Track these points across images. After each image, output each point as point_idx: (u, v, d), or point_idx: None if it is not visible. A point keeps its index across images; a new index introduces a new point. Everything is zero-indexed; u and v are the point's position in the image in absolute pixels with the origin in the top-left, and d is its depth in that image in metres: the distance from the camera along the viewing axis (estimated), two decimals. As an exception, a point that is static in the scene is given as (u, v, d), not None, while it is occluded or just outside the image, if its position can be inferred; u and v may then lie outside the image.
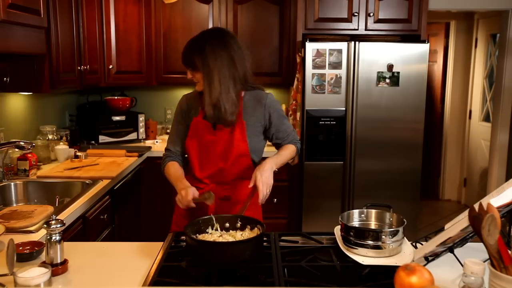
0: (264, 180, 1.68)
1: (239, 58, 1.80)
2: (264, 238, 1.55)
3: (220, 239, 1.48)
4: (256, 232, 1.50)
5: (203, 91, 1.80)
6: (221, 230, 1.55)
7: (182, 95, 1.97)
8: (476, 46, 5.16)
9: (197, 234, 1.50)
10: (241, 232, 1.53)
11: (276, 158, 1.82)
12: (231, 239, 1.48)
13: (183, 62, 1.82)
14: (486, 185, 4.68)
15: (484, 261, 1.07)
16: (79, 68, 2.93)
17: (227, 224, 1.56)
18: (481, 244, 1.10)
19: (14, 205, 2.37)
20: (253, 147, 1.86)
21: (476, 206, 1.13)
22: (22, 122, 2.91)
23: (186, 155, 1.93)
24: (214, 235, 1.52)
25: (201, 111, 1.85)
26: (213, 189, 1.82)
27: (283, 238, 1.61)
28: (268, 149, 3.57)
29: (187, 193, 1.67)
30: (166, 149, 1.95)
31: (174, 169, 1.86)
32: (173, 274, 1.36)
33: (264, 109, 1.86)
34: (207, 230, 1.54)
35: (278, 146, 1.94)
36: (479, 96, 5.11)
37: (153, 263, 1.41)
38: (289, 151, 1.89)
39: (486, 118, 4.97)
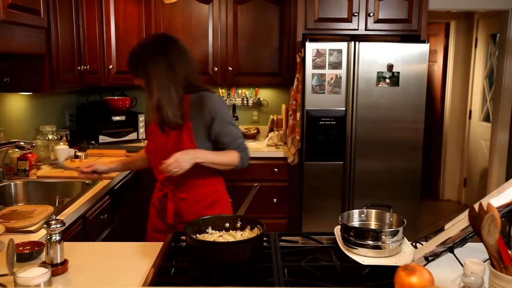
0: (178, 157, 1.69)
1: (179, 63, 1.82)
2: (264, 238, 1.54)
3: (220, 239, 1.48)
4: (256, 232, 1.51)
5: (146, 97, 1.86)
6: (221, 230, 1.55)
7: None
8: (476, 46, 5.16)
9: (197, 234, 1.50)
10: (241, 232, 1.53)
11: (208, 153, 1.81)
12: (231, 239, 1.48)
13: (128, 69, 1.86)
14: (486, 185, 4.67)
15: (484, 261, 1.07)
16: (79, 68, 2.93)
17: (227, 224, 1.56)
18: (481, 244, 1.10)
19: (14, 205, 2.37)
20: (201, 148, 1.87)
21: (476, 206, 1.13)
22: (22, 122, 2.91)
23: None
24: (214, 235, 1.52)
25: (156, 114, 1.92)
26: (172, 190, 1.89)
27: (283, 238, 1.61)
28: (269, 149, 3.58)
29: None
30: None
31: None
32: (173, 274, 1.36)
33: (207, 111, 1.85)
34: (207, 230, 1.54)
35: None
36: (479, 96, 5.11)
37: (153, 263, 1.41)
38: (228, 155, 1.85)
39: (486, 118, 4.97)
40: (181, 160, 1.70)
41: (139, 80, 1.85)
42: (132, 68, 1.84)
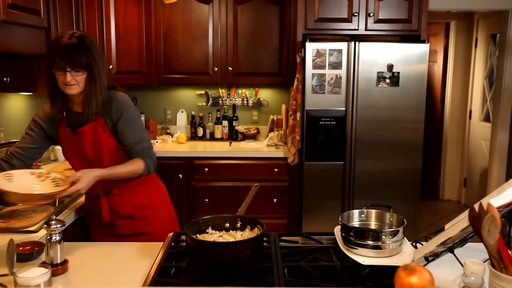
0: (82, 180, 1.67)
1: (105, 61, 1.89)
2: (264, 238, 1.55)
3: (220, 239, 1.48)
4: (256, 232, 1.50)
5: (83, 92, 1.79)
6: (221, 230, 1.55)
7: (40, 109, 1.95)
8: (476, 46, 5.16)
9: (197, 234, 1.50)
10: (241, 232, 1.53)
11: (109, 169, 1.79)
12: (231, 239, 1.48)
13: (68, 63, 1.72)
14: (486, 185, 4.67)
15: (484, 261, 1.07)
16: (79, 68, 2.93)
17: (227, 224, 1.56)
18: (481, 244, 1.10)
19: (14, 205, 2.36)
20: (122, 144, 1.88)
21: (476, 206, 1.13)
22: (22, 122, 2.90)
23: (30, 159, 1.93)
24: (214, 235, 1.51)
25: (63, 119, 1.88)
26: (102, 189, 1.90)
27: (283, 238, 1.61)
28: (269, 149, 3.58)
29: None
30: (8, 152, 1.93)
31: None
32: (173, 274, 1.37)
33: (114, 109, 1.86)
34: (207, 230, 1.54)
35: (127, 153, 1.90)
36: (479, 96, 5.11)
37: (153, 263, 1.42)
38: (131, 166, 1.83)
39: (486, 118, 4.97)
40: (84, 181, 1.67)
41: (75, 76, 1.74)
42: (76, 62, 1.72)
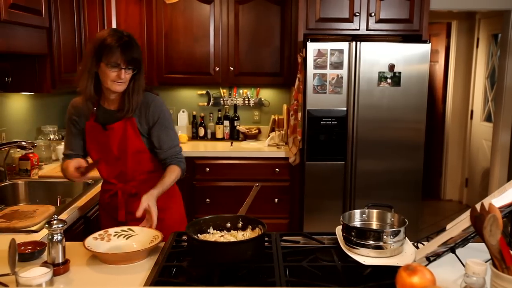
0: (154, 209, 1.72)
1: None
2: (266, 238, 1.55)
3: (222, 239, 1.48)
4: (257, 232, 1.51)
5: (125, 91, 1.82)
6: (223, 230, 1.55)
7: (71, 102, 1.97)
8: (477, 46, 5.15)
9: (199, 234, 1.50)
10: (242, 232, 1.53)
11: (160, 185, 1.83)
12: (232, 239, 1.48)
13: (124, 61, 1.75)
14: (487, 185, 4.67)
15: (486, 262, 1.07)
16: (80, 68, 2.93)
17: (229, 224, 1.56)
18: (483, 244, 1.10)
19: (16, 205, 2.37)
20: (148, 145, 1.90)
21: (478, 206, 1.13)
22: (23, 122, 2.91)
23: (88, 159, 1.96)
24: (215, 235, 1.52)
25: (91, 115, 1.89)
26: (121, 188, 1.91)
27: (284, 238, 1.61)
28: (270, 149, 3.58)
29: (68, 165, 1.79)
30: (63, 155, 1.98)
31: (65, 164, 1.88)
32: (174, 274, 1.37)
33: (150, 112, 1.88)
34: (208, 230, 1.54)
35: (159, 159, 1.93)
36: (481, 96, 5.10)
37: (155, 263, 1.42)
38: (173, 175, 1.88)
39: (488, 118, 4.96)
40: (151, 205, 1.72)
41: (126, 74, 1.78)
42: (135, 61, 1.79)
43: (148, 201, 1.71)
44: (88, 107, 1.87)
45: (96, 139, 1.90)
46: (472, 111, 5.28)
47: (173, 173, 1.88)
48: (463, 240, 1.33)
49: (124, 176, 1.91)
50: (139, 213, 1.68)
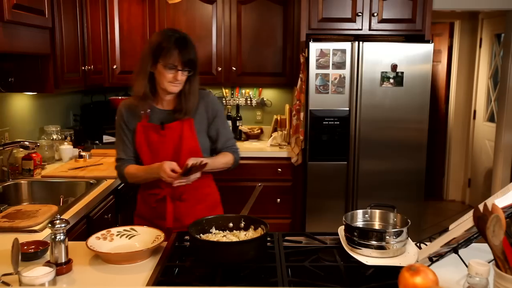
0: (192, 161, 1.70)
1: None
2: (268, 238, 1.54)
3: (224, 239, 1.48)
4: (259, 232, 1.50)
5: (181, 92, 1.82)
6: (225, 230, 1.55)
7: (120, 103, 1.95)
8: (480, 46, 5.14)
9: (201, 234, 1.50)
10: (244, 232, 1.53)
11: (212, 159, 1.84)
12: (234, 239, 1.48)
13: (181, 63, 1.75)
14: (490, 185, 4.66)
15: (489, 262, 1.07)
16: (83, 68, 2.94)
17: (231, 224, 1.56)
18: (486, 244, 1.10)
19: (19, 204, 2.38)
20: (203, 145, 1.88)
21: (481, 206, 1.12)
22: (26, 122, 2.92)
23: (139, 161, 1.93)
24: (217, 235, 1.52)
25: (144, 115, 1.86)
26: (169, 192, 1.86)
27: (286, 238, 1.61)
28: (272, 149, 3.58)
29: (167, 166, 1.72)
30: (118, 159, 1.93)
31: (136, 167, 1.86)
32: (177, 274, 1.37)
33: (209, 108, 1.89)
34: (210, 230, 1.54)
35: (217, 150, 1.94)
36: (484, 96, 5.09)
37: (157, 262, 1.42)
38: (225, 158, 1.90)
39: (491, 119, 4.95)
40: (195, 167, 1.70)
41: (182, 76, 1.77)
42: (191, 63, 1.77)
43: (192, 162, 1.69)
44: (143, 108, 1.84)
45: (149, 139, 1.85)
46: (475, 111, 5.27)
47: (226, 157, 1.91)
48: (466, 241, 1.33)
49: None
50: (189, 162, 1.68)
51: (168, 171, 1.72)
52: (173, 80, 1.76)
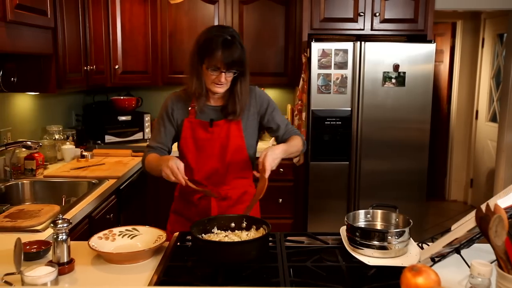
0: (270, 161, 1.64)
1: None
2: (270, 238, 1.55)
3: (226, 239, 1.48)
4: (261, 232, 1.50)
5: (231, 92, 1.78)
6: (227, 230, 1.55)
7: (170, 94, 1.93)
8: (483, 46, 5.13)
9: (203, 234, 1.51)
10: (246, 232, 1.53)
11: (283, 145, 1.77)
12: (236, 239, 1.48)
13: (225, 66, 1.69)
14: (493, 185, 4.65)
15: (491, 262, 1.07)
16: (85, 68, 2.95)
17: (233, 224, 1.56)
18: (488, 245, 1.10)
19: (21, 204, 2.39)
20: (248, 142, 1.86)
21: (483, 207, 1.12)
22: (29, 122, 2.92)
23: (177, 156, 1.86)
24: (219, 235, 1.52)
25: (191, 110, 1.83)
26: (212, 190, 1.82)
27: (288, 238, 1.61)
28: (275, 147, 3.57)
29: (176, 166, 1.61)
30: (147, 146, 1.90)
31: (153, 156, 1.82)
32: (179, 274, 1.37)
33: (256, 100, 1.87)
34: (212, 230, 1.54)
35: (281, 138, 1.91)
36: (486, 96, 5.08)
37: (159, 262, 1.42)
38: (295, 141, 1.85)
39: (493, 119, 4.94)
40: (275, 157, 1.66)
41: (227, 76, 1.73)
42: (238, 63, 1.72)
43: (270, 154, 1.64)
44: (199, 105, 1.81)
45: (196, 136, 1.82)
46: (477, 111, 5.26)
47: (294, 140, 1.84)
48: (468, 241, 1.32)
49: (218, 177, 1.84)
50: (263, 166, 1.63)
51: (175, 169, 1.61)
52: (216, 81, 1.72)
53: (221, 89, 1.76)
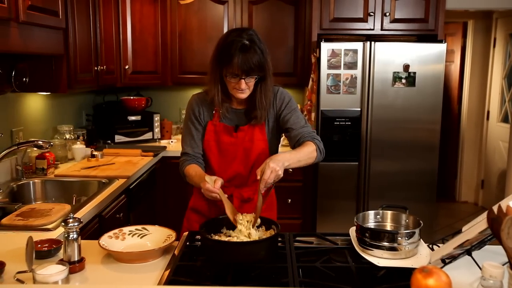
0: (272, 166, 1.52)
1: None
2: (279, 239, 1.54)
3: (235, 239, 1.48)
4: (271, 232, 1.50)
5: (252, 95, 1.75)
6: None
7: (193, 95, 1.90)
8: (494, 46, 5.08)
9: (212, 234, 1.51)
10: (255, 232, 1.53)
11: (291, 153, 1.67)
12: (246, 239, 1.48)
13: (243, 72, 1.65)
14: (504, 187, 4.60)
15: (503, 264, 1.06)
16: (96, 68, 2.97)
17: (242, 224, 1.56)
18: (500, 247, 1.09)
19: (33, 203, 2.41)
20: (271, 147, 1.85)
21: (495, 208, 1.11)
22: (40, 122, 2.95)
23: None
24: (229, 234, 1.52)
25: (215, 113, 1.81)
26: (234, 192, 1.82)
27: (297, 238, 1.61)
28: (283, 149, 3.56)
29: (215, 182, 1.59)
30: (184, 153, 1.86)
31: (195, 169, 1.78)
32: (188, 273, 1.37)
33: (276, 102, 1.82)
34: (221, 230, 1.54)
35: (293, 141, 1.80)
36: (498, 97, 5.03)
37: (169, 262, 1.43)
38: (306, 148, 1.70)
39: (505, 119, 4.88)
40: (277, 168, 1.52)
41: (248, 82, 1.69)
42: (260, 68, 1.68)
43: (272, 163, 1.52)
44: (223, 110, 1.78)
45: (220, 140, 1.80)
46: (488, 112, 5.21)
47: (305, 147, 1.69)
48: (480, 243, 1.31)
49: (240, 179, 1.83)
50: (258, 173, 1.54)
51: (218, 185, 1.58)
52: (237, 88, 1.69)
53: (243, 95, 1.73)
